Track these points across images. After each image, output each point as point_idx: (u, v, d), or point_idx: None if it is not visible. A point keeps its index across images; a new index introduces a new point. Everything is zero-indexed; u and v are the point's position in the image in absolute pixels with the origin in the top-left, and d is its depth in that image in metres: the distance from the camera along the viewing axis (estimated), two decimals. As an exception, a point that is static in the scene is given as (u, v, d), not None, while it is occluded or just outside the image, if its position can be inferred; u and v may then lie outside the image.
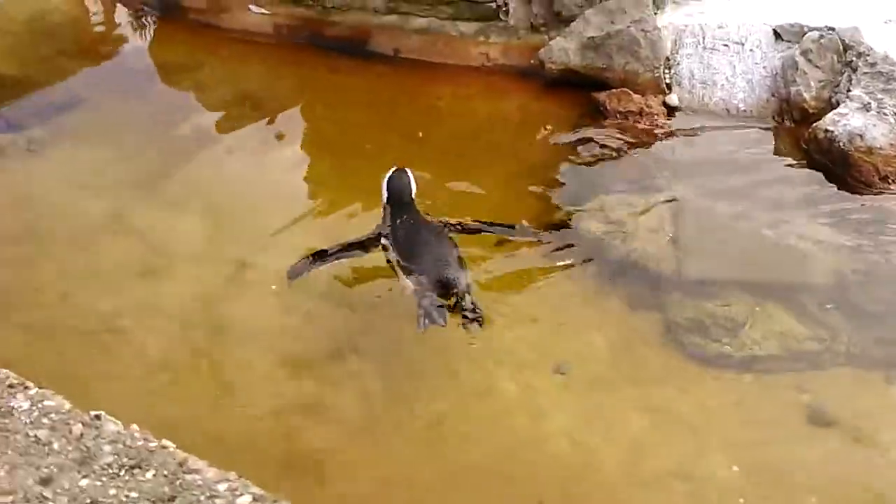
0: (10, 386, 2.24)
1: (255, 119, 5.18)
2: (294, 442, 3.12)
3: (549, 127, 5.10)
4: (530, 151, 4.90)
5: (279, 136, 5.01)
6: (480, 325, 3.39)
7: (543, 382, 3.39)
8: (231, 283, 3.86)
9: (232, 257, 4.01)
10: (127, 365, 3.42)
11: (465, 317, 3.40)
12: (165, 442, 2.27)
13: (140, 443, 2.25)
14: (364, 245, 3.76)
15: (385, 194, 3.89)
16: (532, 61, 5.56)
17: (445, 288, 3.44)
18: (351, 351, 3.50)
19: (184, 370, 3.41)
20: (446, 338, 3.51)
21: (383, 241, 3.73)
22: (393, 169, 3.93)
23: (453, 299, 3.44)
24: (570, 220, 4.21)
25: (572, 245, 4.04)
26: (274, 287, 3.81)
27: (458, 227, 3.88)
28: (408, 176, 3.89)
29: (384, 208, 3.87)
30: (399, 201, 3.84)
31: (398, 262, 3.61)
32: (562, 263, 3.95)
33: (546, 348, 3.54)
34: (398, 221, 3.76)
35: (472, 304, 3.43)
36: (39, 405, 2.18)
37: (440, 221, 3.89)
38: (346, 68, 5.80)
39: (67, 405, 2.18)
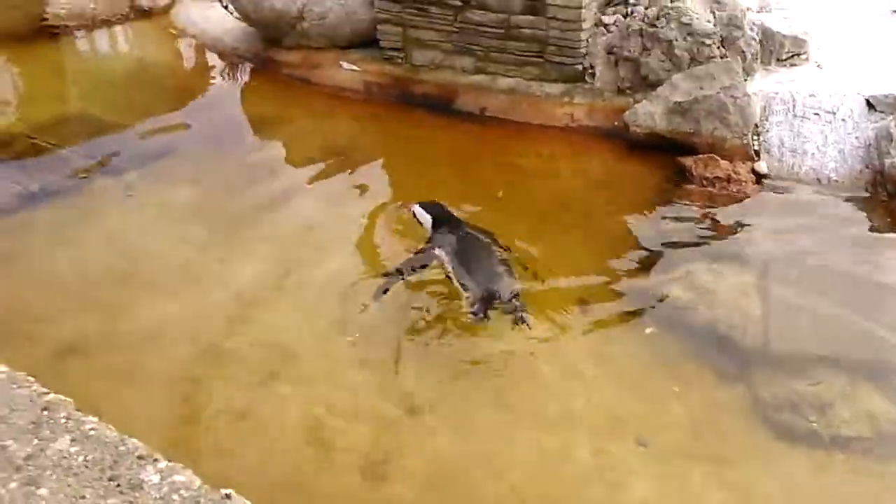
0: (140, 457, 2.19)
1: (341, 171, 5.28)
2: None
3: (632, 190, 5.08)
4: (612, 214, 4.87)
5: (362, 189, 5.09)
6: (527, 323, 3.76)
7: (621, 451, 3.30)
8: (312, 336, 3.89)
9: (312, 308, 4.05)
10: (209, 413, 3.46)
11: (515, 318, 3.78)
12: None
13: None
14: (423, 261, 4.14)
15: (426, 218, 4.35)
16: (616, 123, 5.57)
17: (494, 298, 3.86)
18: (428, 408, 3.47)
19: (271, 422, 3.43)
20: (522, 399, 3.49)
21: (438, 252, 4.11)
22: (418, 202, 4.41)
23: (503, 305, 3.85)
24: (652, 285, 4.14)
25: (654, 311, 3.98)
26: (350, 339, 3.84)
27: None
28: (437, 202, 4.42)
29: (429, 231, 4.33)
30: (441, 218, 4.35)
31: (455, 277, 4.00)
32: (644, 329, 3.88)
33: (624, 415, 3.46)
34: (448, 234, 4.21)
35: (516, 305, 3.82)
36: (169, 480, 2.13)
37: (485, 232, 4.33)
38: (432, 125, 5.91)
39: (198, 482, 2.13)
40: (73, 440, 2.24)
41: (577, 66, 5.90)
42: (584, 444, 3.30)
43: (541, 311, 3.96)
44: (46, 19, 7.94)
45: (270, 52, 6.95)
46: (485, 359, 3.72)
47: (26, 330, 3.87)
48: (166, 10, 8.43)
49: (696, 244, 4.46)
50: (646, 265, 4.33)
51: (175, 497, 2.07)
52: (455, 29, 6.17)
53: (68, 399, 2.38)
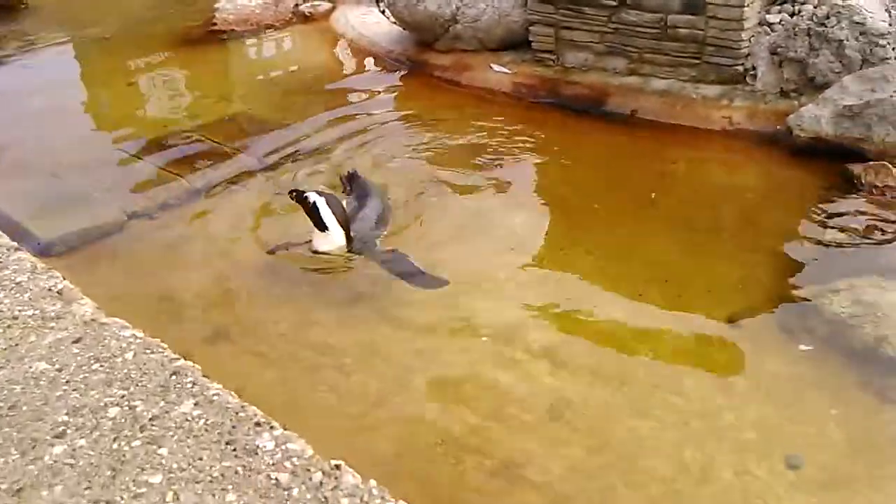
0: (257, 424, 2.28)
1: (488, 172, 5.26)
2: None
3: (793, 197, 4.80)
4: (770, 222, 4.60)
5: (508, 190, 5.06)
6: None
7: (768, 473, 3.09)
8: (453, 334, 3.89)
9: (453, 306, 4.06)
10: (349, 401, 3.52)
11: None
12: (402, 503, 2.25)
13: (377, 501, 2.22)
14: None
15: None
16: (779, 127, 5.28)
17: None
18: (569, 411, 3.39)
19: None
20: (664, 409, 3.34)
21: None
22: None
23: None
24: (811, 299, 3.87)
25: (812, 326, 3.72)
26: (485, 339, 3.81)
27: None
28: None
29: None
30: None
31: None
32: (799, 346, 3.64)
33: (774, 435, 3.24)
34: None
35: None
36: (283, 447, 2.20)
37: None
38: (581, 127, 5.81)
39: (310, 451, 2.17)
40: (196, 404, 2.34)
41: (737, 68, 5.63)
42: (728, 463, 3.12)
43: (690, 325, 3.81)
44: (216, 24, 8.42)
45: (423, 55, 7.06)
46: (625, 366, 3.60)
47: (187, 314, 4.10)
48: (326, 15, 8.74)
49: (862, 257, 4.15)
50: (805, 277, 4.06)
51: (287, 464, 2.15)
52: (609, 30, 6.04)
53: (196, 365, 2.47)
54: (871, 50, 5.16)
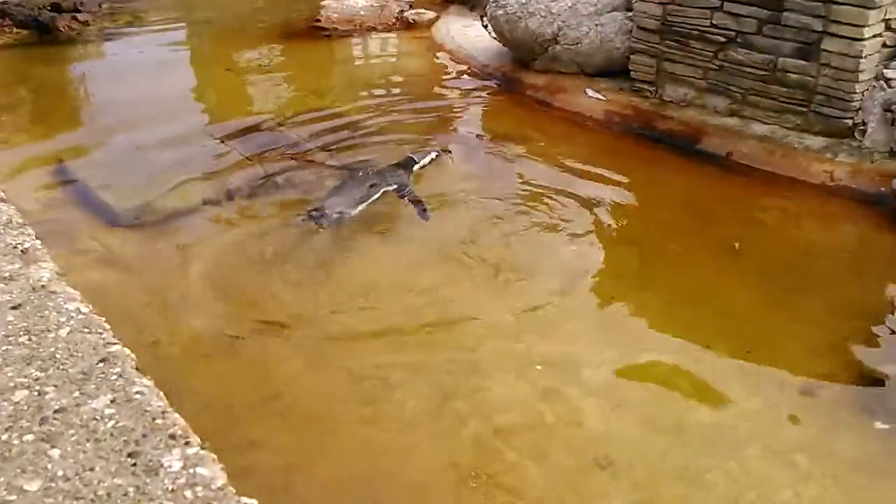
0: (172, 437, 1.92)
1: (566, 199, 5.07)
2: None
3: (887, 264, 4.47)
4: (861, 288, 4.28)
5: (583, 220, 4.85)
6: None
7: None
8: (506, 357, 3.73)
9: (512, 333, 3.89)
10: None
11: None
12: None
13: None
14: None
15: None
16: (882, 189, 4.93)
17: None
18: (614, 460, 3.17)
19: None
20: (719, 477, 3.09)
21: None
22: None
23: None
24: (892, 377, 3.55)
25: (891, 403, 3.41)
26: (539, 367, 3.63)
27: None
28: None
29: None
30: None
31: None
32: (877, 424, 3.33)
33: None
34: None
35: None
36: (191, 471, 1.81)
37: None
38: (671, 163, 5.56)
39: (221, 480, 1.80)
40: (112, 401, 2.00)
41: (845, 121, 5.30)
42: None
43: (759, 387, 3.54)
44: (319, 20, 8.48)
45: (519, 73, 6.92)
46: (683, 420, 3.37)
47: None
48: (430, 24, 8.71)
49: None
50: (891, 353, 3.74)
51: (188, 493, 1.71)
52: (714, 66, 5.78)
53: (132, 354, 2.19)
54: None
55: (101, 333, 2.24)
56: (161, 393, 2.02)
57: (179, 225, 4.73)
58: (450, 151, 5.65)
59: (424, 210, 4.85)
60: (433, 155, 5.50)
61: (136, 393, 2.06)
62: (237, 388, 3.53)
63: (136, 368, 2.10)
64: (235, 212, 4.89)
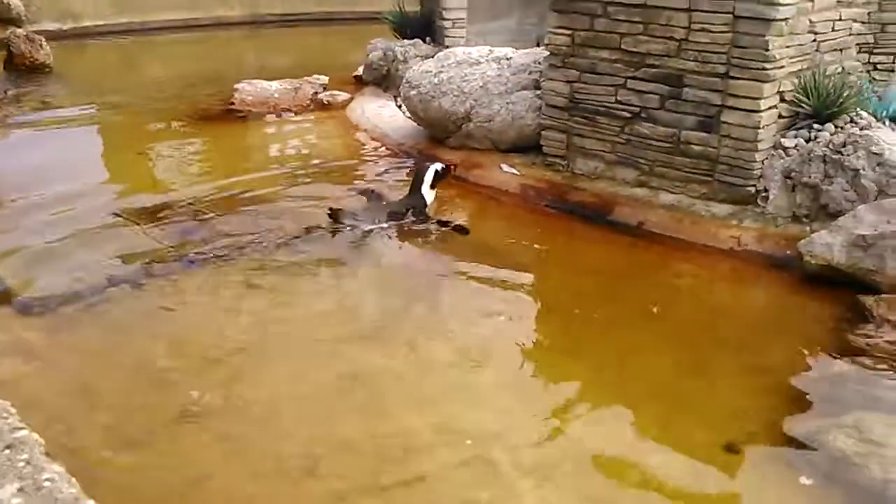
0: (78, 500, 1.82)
1: (483, 271, 5.08)
2: None
3: (799, 324, 4.59)
4: (774, 349, 4.37)
5: (501, 291, 4.87)
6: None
7: None
8: (435, 432, 3.64)
9: (435, 409, 3.82)
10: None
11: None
12: None
13: None
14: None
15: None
16: (788, 252, 5.12)
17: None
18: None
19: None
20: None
21: None
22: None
23: None
24: (815, 432, 3.60)
25: (813, 461, 3.44)
26: (469, 442, 3.55)
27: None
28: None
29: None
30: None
31: None
32: (801, 479, 3.36)
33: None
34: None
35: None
36: None
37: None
38: (586, 234, 5.68)
39: None
40: (20, 489, 1.86)
41: (748, 188, 5.52)
42: None
43: (685, 450, 3.54)
44: (233, 103, 8.48)
45: (434, 150, 7.03)
46: (612, 491, 3.33)
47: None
48: (344, 105, 8.81)
49: (871, 392, 3.89)
50: (810, 409, 3.80)
51: None
52: (621, 140, 5.98)
53: (40, 440, 2.04)
54: (887, 181, 5.05)
55: (6, 419, 2.09)
56: (73, 479, 1.89)
57: (91, 308, 4.55)
58: (455, 165, 6.36)
59: (459, 226, 5.65)
60: (439, 167, 6.02)
61: (46, 480, 1.93)
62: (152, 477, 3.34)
63: (47, 454, 1.97)
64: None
